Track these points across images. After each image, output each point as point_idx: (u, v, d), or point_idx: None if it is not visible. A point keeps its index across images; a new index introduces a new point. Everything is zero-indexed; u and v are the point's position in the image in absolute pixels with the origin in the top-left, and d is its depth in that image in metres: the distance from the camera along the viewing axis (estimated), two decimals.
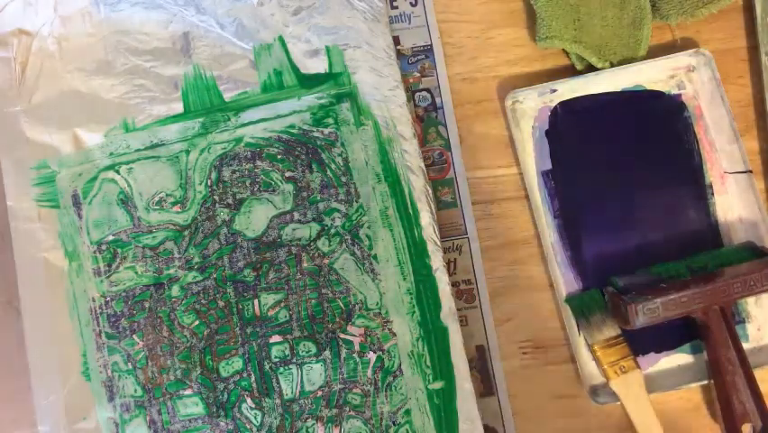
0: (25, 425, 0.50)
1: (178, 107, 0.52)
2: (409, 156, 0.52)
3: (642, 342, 0.52)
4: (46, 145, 0.52)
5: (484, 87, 0.56)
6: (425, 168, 0.53)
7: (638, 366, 0.51)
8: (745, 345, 0.52)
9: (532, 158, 0.55)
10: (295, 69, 0.53)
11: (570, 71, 0.56)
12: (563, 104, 0.56)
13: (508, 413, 0.52)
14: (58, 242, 0.51)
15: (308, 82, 0.53)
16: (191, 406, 0.49)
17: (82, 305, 0.50)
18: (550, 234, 0.54)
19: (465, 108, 0.56)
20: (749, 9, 0.57)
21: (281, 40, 0.53)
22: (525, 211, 0.55)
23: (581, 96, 0.56)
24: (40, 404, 0.49)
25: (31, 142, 0.52)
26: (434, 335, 0.50)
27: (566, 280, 0.54)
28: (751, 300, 0.53)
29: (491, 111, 0.56)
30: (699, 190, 0.55)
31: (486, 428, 0.51)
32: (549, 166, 0.55)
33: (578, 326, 0.52)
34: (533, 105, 0.56)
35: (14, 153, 0.52)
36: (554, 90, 0.55)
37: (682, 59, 0.55)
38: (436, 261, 0.51)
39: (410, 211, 0.52)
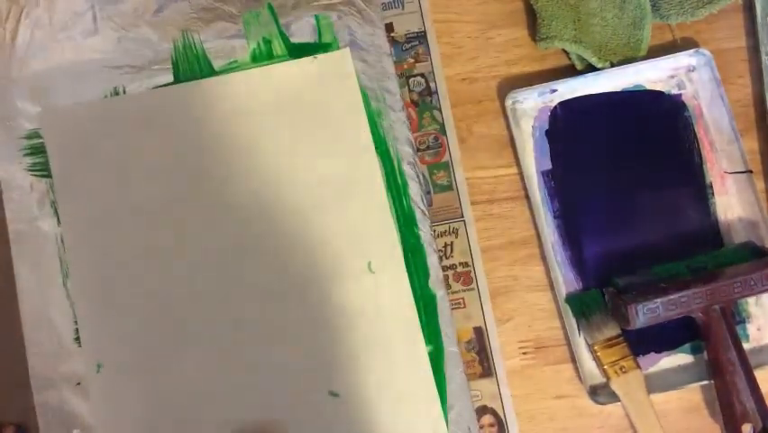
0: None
1: (168, 76, 0.53)
2: (398, 127, 0.53)
3: (642, 342, 0.52)
4: (37, 115, 0.52)
5: (484, 87, 0.56)
6: (412, 139, 0.53)
7: (638, 366, 0.51)
8: (746, 345, 0.52)
9: (532, 158, 0.55)
10: (284, 37, 0.53)
11: (570, 71, 0.56)
12: (563, 104, 0.56)
13: (507, 393, 0.52)
14: (50, 210, 0.51)
15: (298, 51, 0.53)
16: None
17: (74, 272, 0.51)
18: (550, 234, 0.54)
19: (465, 108, 0.56)
20: (749, 9, 0.57)
21: (270, 7, 0.54)
22: (525, 211, 0.55)
23: (581, 96, 0.56)
24: (35, 372, 0.49)
25: (22, 111, 0.52)
26: (422, 301, 0.51)
27: (566, 280, 0.54)
28: (751, 300, 0.53)
29: (491, 111, 0.56)
30: (700, 190, 0.55)
31: (484, 408, 0.52)
32: (549, 166, 0.55)
33: (578, 326, 0.52)
34: (533, 105, 0.56)
35: (6, 123, 0.52)
36: (554, 90, 0.55)
37: (682, 59, 0.55)
38: (424, 228, 0.52)
39: (399, 181, 0.52)
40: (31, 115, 0.52)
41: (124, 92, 0.53)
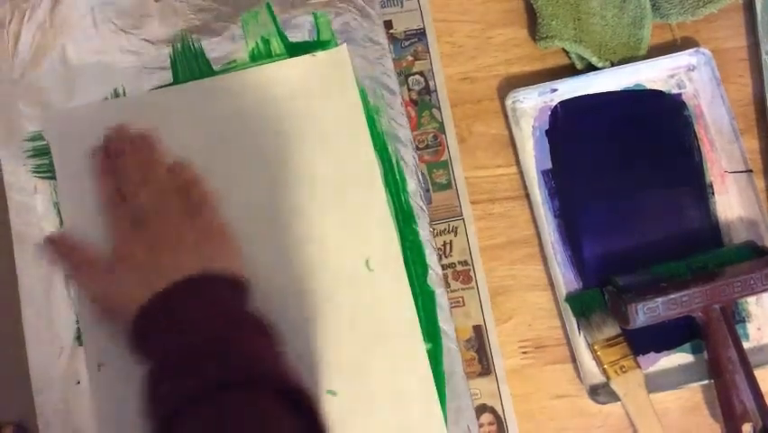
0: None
1: (168, 77, 0.53)
2: (397, 125, 0.53)
3: (642, 341, 0.52)
4: (40, 117, 0.52)
5: (484, 86, 0.56)
6: (411, 137, 0.53)
7: (638, 366, 0.51)
8: (746, 345, 0.52)
9: (532, 157, 0.55)
10: (282, 36, 0.53)
11: (570, 71, 0.56)
12: (563, 103, 0.56)
13: (506, 392, 0.52)
14: (53, 211, 0.51)
15: (296, 49, 0.53)
16: None
17: None
18: (550, 234, 0.54)
19: (465, 108, 0.56)
20: (749, 8, 0.57)
21: (269, 6, 0.54)
22: (525, 211, 0.55)
23: (581, 96, 0.56)
24: (35, 371, 0.49)
25: (24, 113, 0.52)
26: (421, 298, 0.51)
27: (566, 280, 0.54)
28: (751, 300, 0.53)
29: (491, 111, 0.56)
30: (700, 190, 0.55)
31: (483, 407, 0.52)
32: (549, 165, 0.55)
33: (578, 325, 0.52)
34: (533, 105, 0.56)
35: (9, 125, 0.52)
36: (554, 90, 0.55)
37: (683, 58, 0.55)
38: (423, 226, 0.52)
39: (397, 179, 0.52)
40: (33, 117, 0.52)
41: (124, 93, 0.53)
